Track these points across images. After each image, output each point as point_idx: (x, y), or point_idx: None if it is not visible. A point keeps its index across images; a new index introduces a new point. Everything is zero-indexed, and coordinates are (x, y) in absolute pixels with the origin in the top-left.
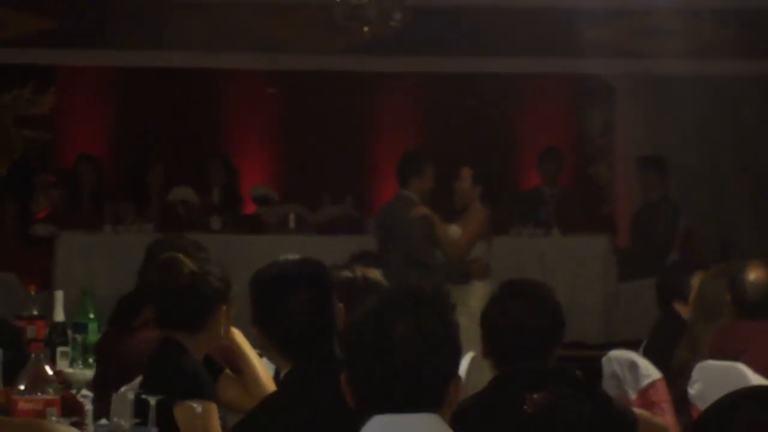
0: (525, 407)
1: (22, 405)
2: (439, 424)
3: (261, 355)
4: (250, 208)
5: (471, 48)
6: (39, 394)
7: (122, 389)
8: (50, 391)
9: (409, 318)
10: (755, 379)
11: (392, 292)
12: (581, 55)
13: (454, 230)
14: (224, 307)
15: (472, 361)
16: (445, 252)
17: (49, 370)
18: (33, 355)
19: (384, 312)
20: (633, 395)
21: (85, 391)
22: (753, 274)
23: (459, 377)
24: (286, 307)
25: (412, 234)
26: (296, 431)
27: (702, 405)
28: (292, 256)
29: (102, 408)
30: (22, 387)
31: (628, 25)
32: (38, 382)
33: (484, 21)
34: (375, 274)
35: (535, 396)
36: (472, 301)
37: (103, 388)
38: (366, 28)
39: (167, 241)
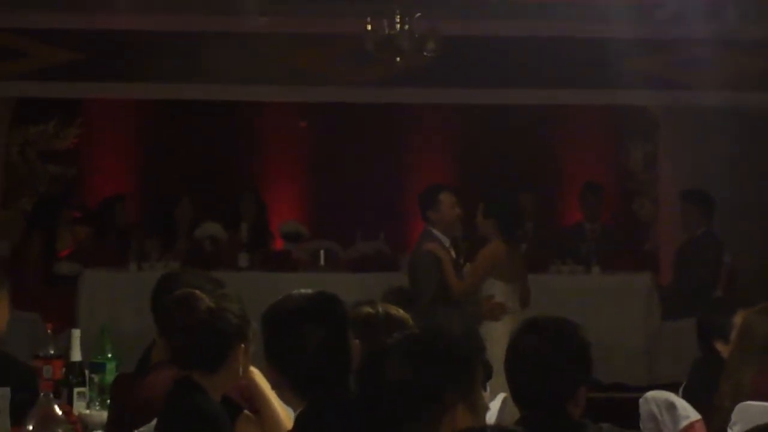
0: None
1: None
2: None
3: None
4: (279, 245)
5: (509, 79)
6: None
7: (138, 430)
8: (59, 431)
9: (405, 364)
10: None
11: (403, 336)
12: (623, 86)
13: (468, 268)
14: (243, 346)
15: (505, 402)
16: (451, 290)
17: (58, 410)
18: (42, 395)
19: (388, 354)
20: None
21: None
22: None
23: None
24: (299, 344)
25: (416, 270)
26: None
27: None
28: (306, 290)
29: None
30: (30, 427)
31: (669, 56)
32: (47, 422)
33: (523, 51)
34: (397, 310)
35: None
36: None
37: (118, 430)
38: (398, 59)
39: (180, 275)
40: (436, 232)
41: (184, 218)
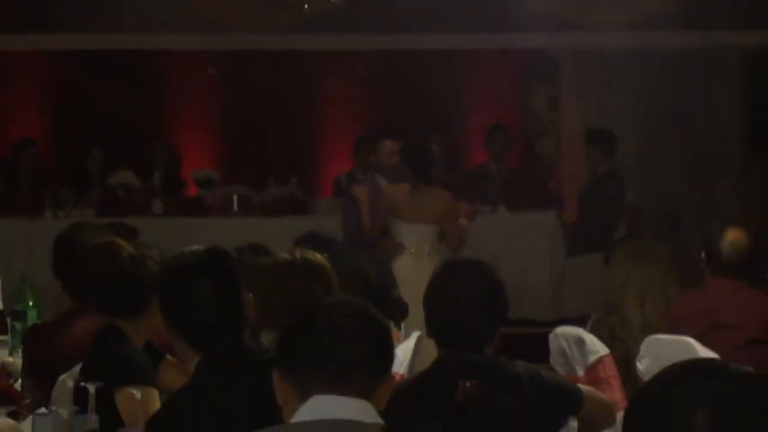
0: (457, 395)
1: None
2: (371, 411)
3: None
4: (192, 191)
5: (414, 25)
6: None
7: (62, 377)
8: None
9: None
10: (704, 352)
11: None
12: (524, 30)
13: None
14: None
15: (419, 340)
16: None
17: None
18: None
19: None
20: (581, 372)
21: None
22: (731, 235)
23: (392, 376)
24: (191, 300)
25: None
26: (211, 420)
27: None
28: (198, 247)
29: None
30: None
31: None
32: None
33: None
34: (314, 255)
35: (468, 384)
36: None
37: (32, 379)
38: (305, 5)
39: (85, 227)
40: (378, 176)
41: (96, 167)
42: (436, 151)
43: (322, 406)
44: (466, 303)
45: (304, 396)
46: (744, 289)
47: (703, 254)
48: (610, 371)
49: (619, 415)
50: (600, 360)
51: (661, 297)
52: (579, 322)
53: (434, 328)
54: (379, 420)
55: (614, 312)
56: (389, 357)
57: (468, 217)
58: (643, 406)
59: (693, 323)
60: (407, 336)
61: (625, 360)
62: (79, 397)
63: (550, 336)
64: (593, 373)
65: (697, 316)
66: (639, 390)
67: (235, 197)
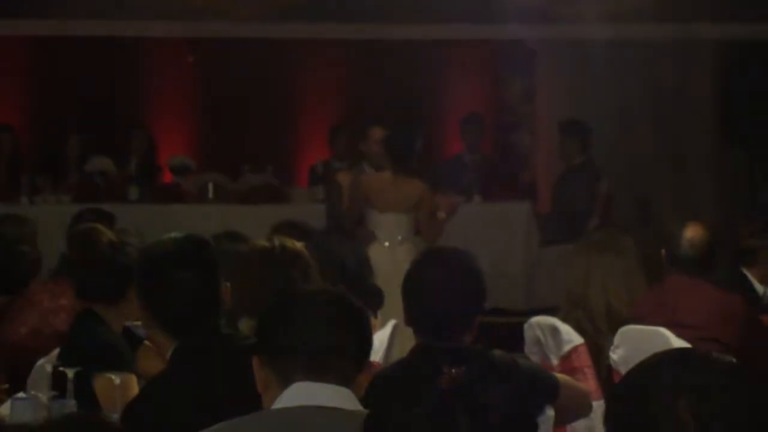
0: (440, 382)
1: None
2: (351, 398)
3: None
4: (168, 178)
5: (392, 14)
6: None
7: (40, 361)
8: None
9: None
10: (677, 343)
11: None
12: (502, 21)
13: None
14: None
15: (395, 329)
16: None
17: None
18: None
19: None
20: (555, 361)
21: None
22: (690, 232)
23: (370, 363)
24: (167, 287)
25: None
26: (189, 407)
27: (625, 370)
28: (177, 235)
29: None
30: None
31: None
32: None
33: None
34: (293, 243)
35: (453, 371)
36: None
37: None
38: None
39: (5, 219)
40: (365, 164)
41: (73, 153)
42: (420, 143)
43: (303, 392)
44: (445, 292)
45: (284, 383)
46: (701, 286)
47: (663, 251)
48: (585, 360)
49: (594, 404)
50: (574, 349)
51: (624, 288)
52: (553, 311)
53: (413, 317)
54: (360, 407)
55: (580, 304)
56: (368, 344)
57: (448, 210)
58: (625, 395)
59: (653, 318)
60: (384, 324)
61: (593, 351)
62: (58, 382)
63: (525, 325)
64: (567, 362)
65: (658, 311)
66: (621, 379)
67: (210, 185)
